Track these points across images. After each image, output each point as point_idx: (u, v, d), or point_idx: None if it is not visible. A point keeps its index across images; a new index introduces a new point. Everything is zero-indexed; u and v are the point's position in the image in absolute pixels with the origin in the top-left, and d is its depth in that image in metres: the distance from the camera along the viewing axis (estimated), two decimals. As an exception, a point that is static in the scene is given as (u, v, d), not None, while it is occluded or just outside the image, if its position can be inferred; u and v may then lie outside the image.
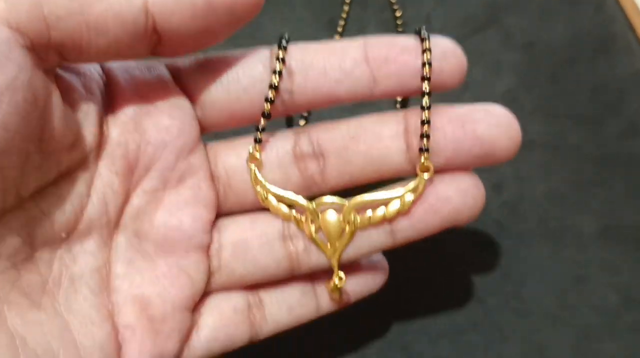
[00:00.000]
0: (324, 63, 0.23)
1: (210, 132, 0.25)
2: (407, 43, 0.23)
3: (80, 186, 0.21)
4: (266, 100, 0.23)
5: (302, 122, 0.33)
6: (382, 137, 0.24)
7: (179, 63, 0.24)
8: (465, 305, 0.29)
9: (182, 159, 0.23)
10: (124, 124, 0.23)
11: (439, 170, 0.23)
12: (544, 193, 0.32)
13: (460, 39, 0.34)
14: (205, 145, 0.25)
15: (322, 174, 0.24)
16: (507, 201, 0.32)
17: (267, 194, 0.24)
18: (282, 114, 0.25)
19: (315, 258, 0.24)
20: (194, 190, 0.24)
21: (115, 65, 0.23)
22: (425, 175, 0.23)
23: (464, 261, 0.30)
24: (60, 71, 0.21)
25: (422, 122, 0.23)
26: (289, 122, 0.33)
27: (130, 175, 0.23)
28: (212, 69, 0.24)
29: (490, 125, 0.22)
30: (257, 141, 0.24)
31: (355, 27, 0.37)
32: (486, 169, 0.32)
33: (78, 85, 0.21)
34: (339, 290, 0.24)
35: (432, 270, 0.30)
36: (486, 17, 0.36)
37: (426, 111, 0.23)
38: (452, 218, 0.23)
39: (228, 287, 0.25)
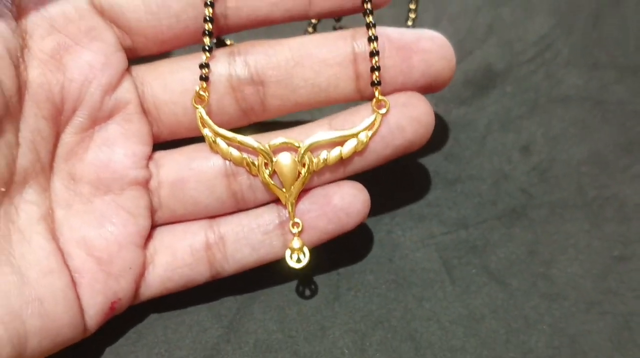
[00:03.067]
0: None
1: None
2: None
3: (7, 136, 0.21)
4: (205, 20, 0.23)
5: (229, 42, 0.29)
6: (330, 64, 0.24)
7: None
8: (483, 287, 0.26)
9: (109, 94, 0.23)
10: (43, 62, 0.22)
11: (387, 94, 0.24)
12: (580, 157, 0.29)
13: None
14: (132, 75, 0.24)
15: (262, 104, 0.24)
16: (536, 166, 0.28)
17: (215, 138, 0.24)
18: (215, 35, 0.24)
19: (261, 195, 0.25)
20: (124, 125, 0.23)
21: None
22: (382, 111, 0.24)
23: (483, 236, 0.27)
24: None
25: (372, 53, 0.23)
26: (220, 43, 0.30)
27: (58, 117, 0.23)
28: None
29: (438, 57, 0.24)
30: (203, 78, 0.24)
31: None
32: (512, 128, 0.28)
33: None
34: (298, 236, 0.24)
35: (444, 244, 0.27)
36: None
37: (374, 42, 0.23)
38: (404, 149, 0.24)
39: (173, 222, 0.25)
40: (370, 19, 0.23)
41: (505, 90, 0.30)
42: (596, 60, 0.30)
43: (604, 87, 0.30)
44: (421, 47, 0.24)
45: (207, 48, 0.23)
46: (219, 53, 0.24)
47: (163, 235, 0.24)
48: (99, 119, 0.23)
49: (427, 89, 0.24)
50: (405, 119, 0.24)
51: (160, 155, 0.25)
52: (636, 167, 0.28)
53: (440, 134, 0.29)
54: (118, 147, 0.23)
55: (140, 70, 0.24)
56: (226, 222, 0.25)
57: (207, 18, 0.23)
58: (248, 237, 0.24)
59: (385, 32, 0.24)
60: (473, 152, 0.28)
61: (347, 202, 0.24)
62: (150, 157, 0.24)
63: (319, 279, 0.26)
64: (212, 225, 0.25)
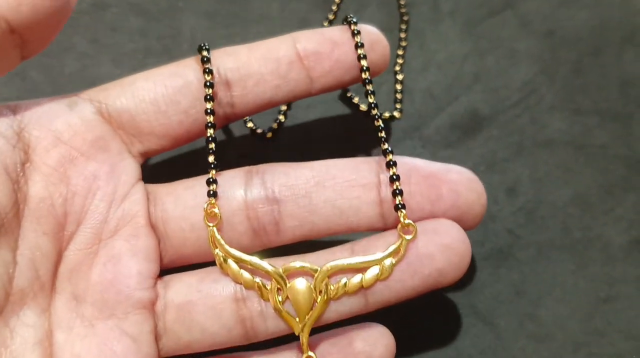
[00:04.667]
0: (260, 69, 0.23)
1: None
2: (336, 36, 0.24)
3: (2, 253, 0.20)
4: (207, 113, 0.23)
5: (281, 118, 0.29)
6: (353, 186, 0.23)
7: (102, 96, 0.23)
8: (471, 329, 0.26)
9: (115, 206, 0.22)
10: (46, 176, 0.21)
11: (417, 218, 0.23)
12: (565, 199, 0.29)
13: (473, 23, 0.32)
14: (145, 187, 0.23)
15: (277, 224, 0.23)
16: (522, 207, 0.29)
17: (226, 258, 0.22)
18: (224, 125, 0.25)
19: (272, 324, 0.22)
20: (130, 240, 0.22)
21: (30, 107, 0.22)
22: (409, 236, 0.22)
23: (470, 276, 0.27)
24: None
25: (392, 178, 0.22)
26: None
27: (61, 233, 0.21)
28: (144, 96, 0.23)
29: (468, 189, 0.23)
30: (212, 194, 0.23)
31: (354, 6, 0.33)
32: (498, 170, 0.29)
33: None
34: None
35: None
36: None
37: (394, 167, 0.23)
38: (434, 280, 0.22)
39: (177, 353, 0.22)
40: (386, 145, 0.23)
41: (491, 134, 0.30)
42: (579, 105, 0.31)
43: (586, 131, 0.30)
44: (450, 177, 0.23)
45: (212, 165, 0.23)
46: (236, 171, 0.23)
47: None
48: (104, 233, 0.22)
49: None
50: (435, 246, 0.22)
51: (170, 277, 0.23)
52: (618, 209, 0.28)
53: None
54: (124, 265, 0.22)
55: (154, 188, 0.23)
56: None
57: (208, 110, 0.23)
58: None
59: (412, 162, 0.23)
60: (460, 193, 0.29)
61: (370, 346, 0.22)
62: (158, 277, 0.22)
63: None
64: None
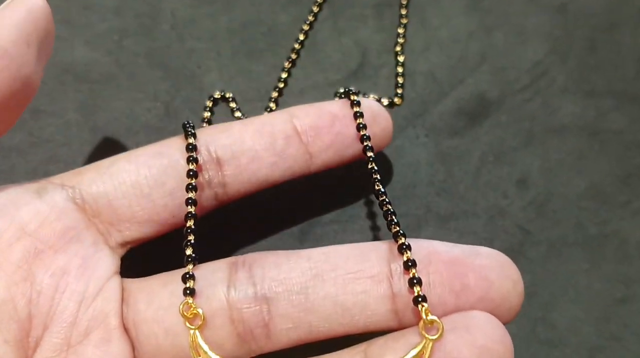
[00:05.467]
0: (255, 146, 0.22)
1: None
2: (336, 109, 0.23)
3: None
4: (188, 203, 0.20)
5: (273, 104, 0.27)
6: (358, 278, 0.19)
7: (75, 181, 0.21)
8: None
9: (85, 306, 0.19)
10: (8, 274, 0.19)
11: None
12: (579, 191, 0.27)
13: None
14: (122, 282, 0.20)
15: (266, 327, 0.19)
16: (533, 200, 0.27)
17: None
18: (215, 208, 0.22)
19: None
20: (101, 347, 0.19)
21: None
22: (432, 336, 0.18)
23: None
24: None
25: (407, 264, 0.19)
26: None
27: (25, 339, 0.19)
28: (124, 178, 0.21)
29: (501, 277, 0.19)
30: (189, 292, 0.19)
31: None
32: (507, 161, 0.27)
33: None
34: None
35: None
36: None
37: (408, 251, 0.19)
38: None
39: None
40: (395, 222, 0.19)
41: (500, 120, 0.28)
42: (593, 87, 0.29)
43: (601, 115, 0.28)
44: (478, 263, 0.19)
45: (190, 255, 0.20)
46: (219, 264, 0.20)
47: None
48: (73, 338, 0.19)
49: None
50: (468, 347, 0.18)
51: None
52: (636, 202, 0.26)
53: (432, 167, 0.27)
54: None
55: (129, 283, 0.21)
56: None
57: (190, 200, 0.20)
58: None
59: (430, 245, 0.19)
60: (467, 187, 0.27)
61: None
62: None
63: None
64: None
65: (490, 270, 0.19)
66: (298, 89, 0.29)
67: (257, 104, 0.28)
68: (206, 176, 0.21)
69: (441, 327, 0.18)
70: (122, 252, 0.21)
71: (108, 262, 0.20)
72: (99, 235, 0.20)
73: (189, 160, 0.21)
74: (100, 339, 0.19)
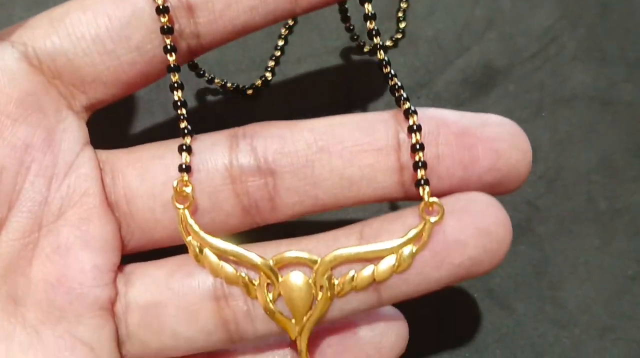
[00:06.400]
0: None
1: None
2: None
3: None
4: (166, 50, 0.18)
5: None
6: (365, 150, 0.19)
7: (26, 36, 0.18)
8: (487, 313, 0.24)
9: (57, 183, 0.18)
10: None
11: (441, 193, 0.18)
12: (589, 164, 0.26)
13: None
14: (96, 155, 0.19)
15: (272, 200, 0.19)
16: (542, 174, 0.26)
17: (202, 248, 0.19)
18: (188, 60, 0.20)
19: (262, 327, 0.19)
20: (80, 226, 0.18)
21: None
22: (434, 218, 0.18)
23: None
24: None
25: (414, 148, 0.18)
26: (194, 68, 0.25)
27: None
28: (83, 32, 0.18)
29: (511, 147, 0.18)
30: (185, 169, 0.18)
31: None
32: None
33: None
34: None
35: None
36: None
37: (417, 134, 0.18)
38: (465, 271, 0.18)
39: None
40: (399, 86, 0.19)
41: (507, 90, 0.27)
42: (605, 55, 0.28)
43: (613, 85, 0.27)
44: (488, 134, 0.18)
45: (186, 130, 0.19)
46: (217, 135, 0.19)
47: None
48: (45, 218, 0.18)
49: (492, 190, 0.19)
50: (467, 229, 0.18)
51: (133, 268, 0.19)
52: (651, 175, 0.26)
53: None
54: (74, 257, 0.18)
55: (110, 155, 0.19)
56: None
57: (169, 47, 0.18)
58: None
59: (440, 114, 0.19)
60: (473, 160, 0.26)
61: (378, 333, 0.19)
62: (119, 269, 0.19)
63: None
64: None
65: (499, 140, 0.18)
66: (295, 58, 0.27)
67: (252, 74, 0.27)
68: (176, 27, 0.19)
69: (442, 209, 0.18)
70: (87, 116, 0.19)
71: (75, 131, 0.18)
72: (62, 100, 0.18)
73: (160, 10, 0.18)
74: (79, 219, 0.18)
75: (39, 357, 0.17)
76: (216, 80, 0.26)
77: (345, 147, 0.19)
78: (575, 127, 0.27)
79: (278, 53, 0.27)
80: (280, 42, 0.27)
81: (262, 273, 0.18)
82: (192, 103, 0.26)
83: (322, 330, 0.19)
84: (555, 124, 0.27)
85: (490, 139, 0.18)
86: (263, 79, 0.27)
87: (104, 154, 0.19)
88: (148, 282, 0.19)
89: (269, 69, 0.27)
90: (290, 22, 0.27)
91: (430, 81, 0.27)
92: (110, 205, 0.19)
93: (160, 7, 0.18)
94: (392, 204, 0.25)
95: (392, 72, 0.19)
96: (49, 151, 0.18)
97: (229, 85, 0.26)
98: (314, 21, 0.28)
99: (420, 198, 0.18)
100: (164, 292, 0.18)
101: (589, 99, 0.27)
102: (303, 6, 0.19)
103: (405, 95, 0.19)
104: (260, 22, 0.19)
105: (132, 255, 0.20)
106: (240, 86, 0.26)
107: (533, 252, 0.25)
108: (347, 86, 0.27)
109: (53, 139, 0.18)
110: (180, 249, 0.19)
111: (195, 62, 0.24)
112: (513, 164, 0.18)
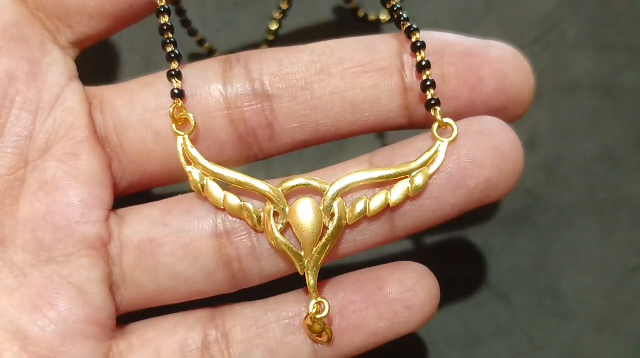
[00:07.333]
0: None
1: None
2: None
3: None
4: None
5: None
6: (367, 70, 0.18)
7: None
8: (484, 305, 0.24)
9: (42, 117, 0.17)
10: None
11: (448, 116, 0.18)
12: (590, 153, 0.26)
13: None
14: (84, 90, 0.18)
15: (270, 126, 0.18)
16: (542, 163, 0.26)
17: (204, 176, 0.18)
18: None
19: (269, 265, 0.18)
20: (67, 161, 0.17)
21: None
22: (446, 141, 0.17)
23: (483, 244, 0.25)
24: None
25: (421, 66, 0.18)
26: (187, 24, 0.24)
27: None
28: None
29: (515, 70, 0.18)
30: (177, 94, 0.18)
31: None
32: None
33: None
34: (322, 322, 0.17)
35: (441, 256, 0.25)
36: None
37: (421, 51, 0.18)
38: (481, 193, 0.18)
39: (143, 306, 0.18)
40: (409, 23, 0.18)
41: (507, 77, 0.26)
42: (606, 41, 0.27)
43: (615, 72, 0.27)
44: (492, 55, 0.18)
45: (173, 54, 0.18)
46: (209, 61, 0.19)
47: (146, 329, 0.18)
48: (31, 153, 0.17)
49: (498, 115, 0.18)
50: (483, 149, 0.17)
51: (127, 210, 0.18)
52: (653, 165, 0.25)
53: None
54: (61, 192, 0.17)
55: (99, 90, 0.19)
56: (233, 312, 0.18)
57: None
58: (262, 335, 0.18)
59: (443, 37, 0.19)
60: (471, 148, 0.25)
61: (407, 289, 0.18)
62: (110, 210, 0.18)
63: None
64: (214, 316, 0.18)
65: (504, 62, 0.18)
66: (289, 42, 0.27)
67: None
68: None
69: (456, 129, 0.18)
70: (75, 53, 0.19)
71: (61, 65, 0.18)
72: (46, 33, 0.18)
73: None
74: (65, 153, 0.17)
75: (25, 298, 0.17)
76: (206, 45, 0.26)
77: (347, 68, 0.18)
78: (576, 115, 0.26)
79: (271, 37, 0.27)
80: (273, 26, 0.27)
81: (268, 201, 0.17)
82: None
83: (343, 284, 0.18)
84: (556, 112, 0.26)
85: (495, 59, 0.18)
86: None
87: (92, 89, 0.19)
88: (143, 220, 0.18)
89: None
90: (284, 6, 0.27)
91: (428, 67, 0.27)
92: (99, 139, 0.18)
93: None
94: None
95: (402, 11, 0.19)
96: (33, 84, 0.17)
97: (217, 53, 0.26)
98: (308, 5, 0.27)
99: (426, 127, 0.18)
100: (159, 229, 0.18)
101: (590, 86, 0.27)
102: None
103: (405, 15, 0.18)
104: None
105: (126, 201, 0.19)
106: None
107: (532, 242, 0.24)
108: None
109: (38, 72, 0.18)
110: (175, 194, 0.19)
111: (189, 18, 0.24)
112: (518, 86, 0.18)
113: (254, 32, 0.27)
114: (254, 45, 0.27)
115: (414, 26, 0.18)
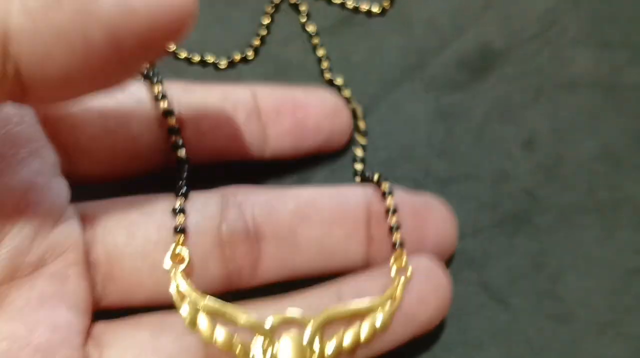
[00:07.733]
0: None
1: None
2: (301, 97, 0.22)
3: None
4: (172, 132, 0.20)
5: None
6: (343, 223, 0.20)
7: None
8: (482, 309, 0.23)
9: (42, 235, 0.16)
10: None
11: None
12: (591, 153, 0.25)
13: None
14: (78, 212, 0.18)
15: (254, 267, 0.19)
16: (541, 163, 0.25)
17: (195, 315, 0.18)
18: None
19: None
20: (57, 282, 0.17)
21: None
22: (402, 279, 0.20)
23: (480, 246, 0.24)
24: None
25: (388, 211, 0.20)
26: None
27: None
28: None
29: (449, 227, 0.22)
30: (180, 230, 0.18)
31: None
32: (513, 119, 0.25)
33: None
34: None
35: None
36: None
37: (390, 196, 0.21)
38: (424, 329, 0.20)
39: None
40: (386, 185, 0.21)
41: (505, 74, 0.26)
42: (608, 38, 0.27)
43: (616, 69, 0.26)
44: (433, 214, 0.21)
45: (183, 187, 0.19)
46: (208, 195, 0.19)
47: None
48: (22, 268, 0.16)
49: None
50: (430, 289, 0.20)
51: (103, 329, 0.18)
52: (656, 164, 0.25)
53: (431, 125, 0.25)
54: (44, 314, 0.16)
55: (87, 206, 0.18)
56: None
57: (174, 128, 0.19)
58: None
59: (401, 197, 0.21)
60: (469, 147, 0.25)
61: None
62: (88, 333, 0.17)
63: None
64: None
65: (442, 221, 0.21)
66: (282, 37, 0.26)
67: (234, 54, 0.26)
68: None
69: (410, 271, 0.20)
70: (71, 183, 0.18)
71: (63, 183, 0.18)
72: (52, 151, 0.18)
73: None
74: (54, 275, 0.17)
75: None
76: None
77: (324, 218, 0.20)
78: (576, 113, 0.25)
79: (264, 32, 0.26)
80: (266, 21, 0.26)
81: (257, 335, 0.18)
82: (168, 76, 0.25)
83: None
84: (556, 110, 0.25)
85: (434, 218, 0.21)
86: (244, 55, 0.25)
87: (80, 207, 0.18)
88: (129, 342, 0.17)
89: (253, 48, 0.25)
90: (277, 0, 0.26)
91: (425, 63, 0.26)
92: (90, 263, 0.17)
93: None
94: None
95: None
96: (46, 200, 0.17)
97: (208, 57, 0.25)
98: (302, -1, 0.27)
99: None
100: (149, 356, 0.17)
101: (590, 84, 0.26)
102: (270, 151, 0.22)
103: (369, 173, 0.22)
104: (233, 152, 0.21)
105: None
106: (211, 60, 0.25)
107: (531, 244, 0.24)
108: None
109: (45, 184, 0.17)
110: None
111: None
112: (448, 244, 0.22)
113: (245, 27, 0.26)
114: (246, 42, 0.26)
115: (388, 190, 0.21)
